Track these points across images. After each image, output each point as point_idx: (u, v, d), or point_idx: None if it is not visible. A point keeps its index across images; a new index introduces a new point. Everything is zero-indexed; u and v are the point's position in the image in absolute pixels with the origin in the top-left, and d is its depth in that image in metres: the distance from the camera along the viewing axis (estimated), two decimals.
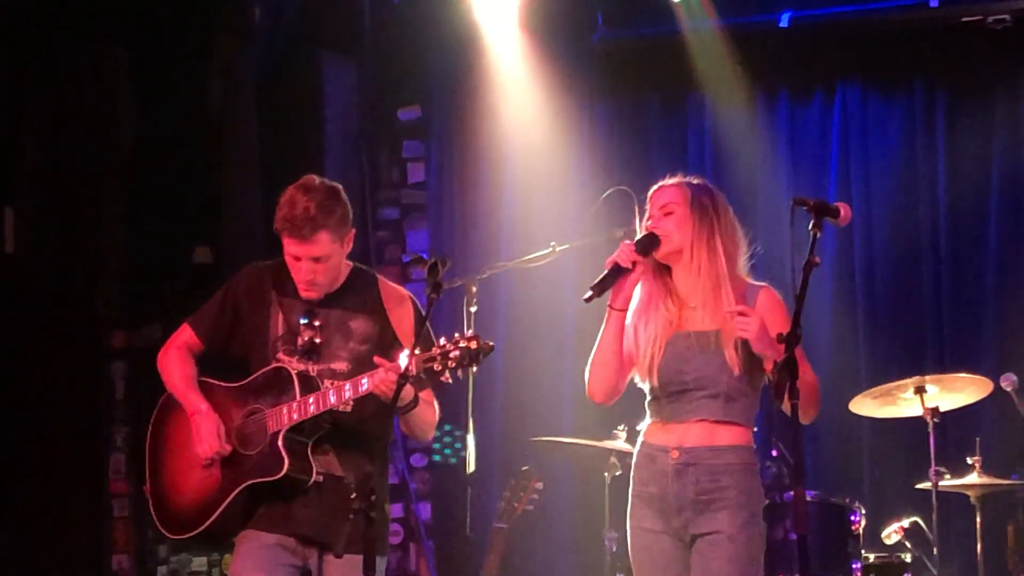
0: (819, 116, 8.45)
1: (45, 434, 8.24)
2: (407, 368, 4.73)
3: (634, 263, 5.00)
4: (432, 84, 8.86)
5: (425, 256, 8.65)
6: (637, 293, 5.14)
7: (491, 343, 4.76)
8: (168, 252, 8.61)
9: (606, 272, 4.98)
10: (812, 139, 8.45)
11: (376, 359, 4.89)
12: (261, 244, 8.20)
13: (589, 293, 4.98)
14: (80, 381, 8.49)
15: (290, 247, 5.11)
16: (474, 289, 6.68)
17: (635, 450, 5.14)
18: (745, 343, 4.88)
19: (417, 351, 4.78)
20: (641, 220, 5.19)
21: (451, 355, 4.72)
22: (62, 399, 8.35)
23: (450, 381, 4.82)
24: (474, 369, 4.82)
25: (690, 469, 4.94)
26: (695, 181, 5.19)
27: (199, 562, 8.51)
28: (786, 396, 4.53)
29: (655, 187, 5.17)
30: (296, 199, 5.07)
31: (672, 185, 5.15)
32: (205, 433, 5.17)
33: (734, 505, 4.91)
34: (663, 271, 5.16)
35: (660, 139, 8.60)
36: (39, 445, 8.21)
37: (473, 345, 4.71)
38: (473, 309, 6.66)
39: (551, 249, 6.82)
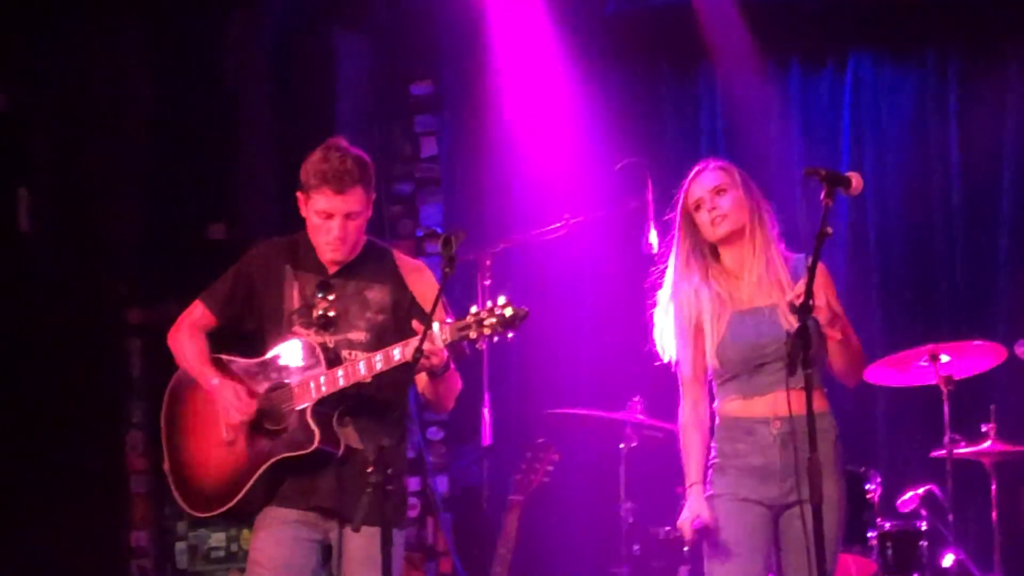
0: (831, 84, 8.42)
1: (63, 412, 8.25)
2: (443, 337, 4.76)
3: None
4: (444, 58, 8.83)
5: (439, 230, 8.67)
6: (670, 279, 5.28)
7: (525, 309, 4.76)
8: (183, 229, 8.62)
9: None
10: (824, 108, 8.42)
11: (415, 324, 4.85)
12: (276, 220, 8.20)
13: None
14: (97, 359, 8.51)
15: (323, 202, 5.09)
16: (488, 263, 6.70)
17: (717, 424, 5.20)
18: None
19: (449, 320, 4.80)
20: (684, 214, 5.27)
21: (486, 322, 4.73)
22: (79, 377, 8.36)
23: (483, 348, 4.84)
24: (510, 336, 4.75)
25: (794, 437, 5.00)
26: (725, 161, 5.29)
27: (217, 538, 8.53)
28: (799, 366, 4.58)
29: (694, 171, 5.28)
30: (330, 155, 5.09)
31: (716, 168, 5.26)
32: (230, 399, 5.15)
33: (835, 471, 5.04)
34: (703, 250, 5.26)
35: (672, 109, 8.57)
36: (57, 423, 8.22)
37: (508, 312, 4.72)
38: (487, 283, 6.68)
39: (565, 221, 6.84)
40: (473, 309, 4.78)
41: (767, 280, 5.17)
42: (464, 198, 8.72)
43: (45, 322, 8.31)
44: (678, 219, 5.30)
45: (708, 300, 5.18)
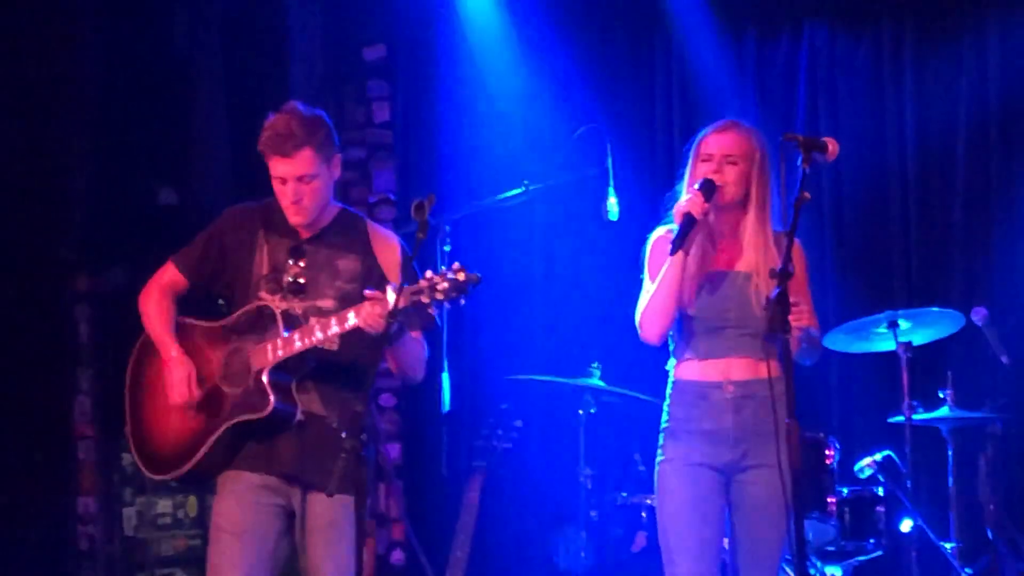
0: (787, 53, 8.40)
1: (9, 378, 8.17)
2: (395, 302, 4.73)
3: (705, 212, 5.02)
4: (397, 21, 8.73)
5: (392, 196, 8.62)
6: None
7: (478, 274, 4.75)
8: (133, 194, 8.53)
9: (681, 225, 5.01)
10: (780, 77, 8.39)
11: (366, 292, 4.87)
12: (227, 186, 8.16)
13: (672, 249, 5.01)
14: (44, 325, 8.42)
15: (276, 168, 5.10)
16: (447, 228, 6.70)
17: (670, 389, 5.24)
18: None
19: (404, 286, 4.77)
20: (695, 159, 5.23)
21: (439, 287, 4.72)
22: (26, 343, 8.27)
23: (435, 314, 4.88)
24: (462, 302, 4.75)
25: (747, 402, 5.06)
26: (753, 129, 5.25)
27: (164, 504, 8.47)
28: (777, 330, 4.59)
29: (718, 127, 5.27)
30: (279, 120, 5.10)
31: (739, 132, 5.23)
32: (176, 380, 5.17)
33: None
34: None
35: (629, 76, 8.52)
36: (3, 390, 8.14)
37: (461, 276, 4.71)
38: (447, 249, 6.68)
39: (525, 188, 6.84)
40: (428, 273, 4.78)
41: (749, 249, 5.18)
42: (418, 164, 8.65)
43: None
44: (690, 158, 5.27)
45: (691, 254, 5.15)
